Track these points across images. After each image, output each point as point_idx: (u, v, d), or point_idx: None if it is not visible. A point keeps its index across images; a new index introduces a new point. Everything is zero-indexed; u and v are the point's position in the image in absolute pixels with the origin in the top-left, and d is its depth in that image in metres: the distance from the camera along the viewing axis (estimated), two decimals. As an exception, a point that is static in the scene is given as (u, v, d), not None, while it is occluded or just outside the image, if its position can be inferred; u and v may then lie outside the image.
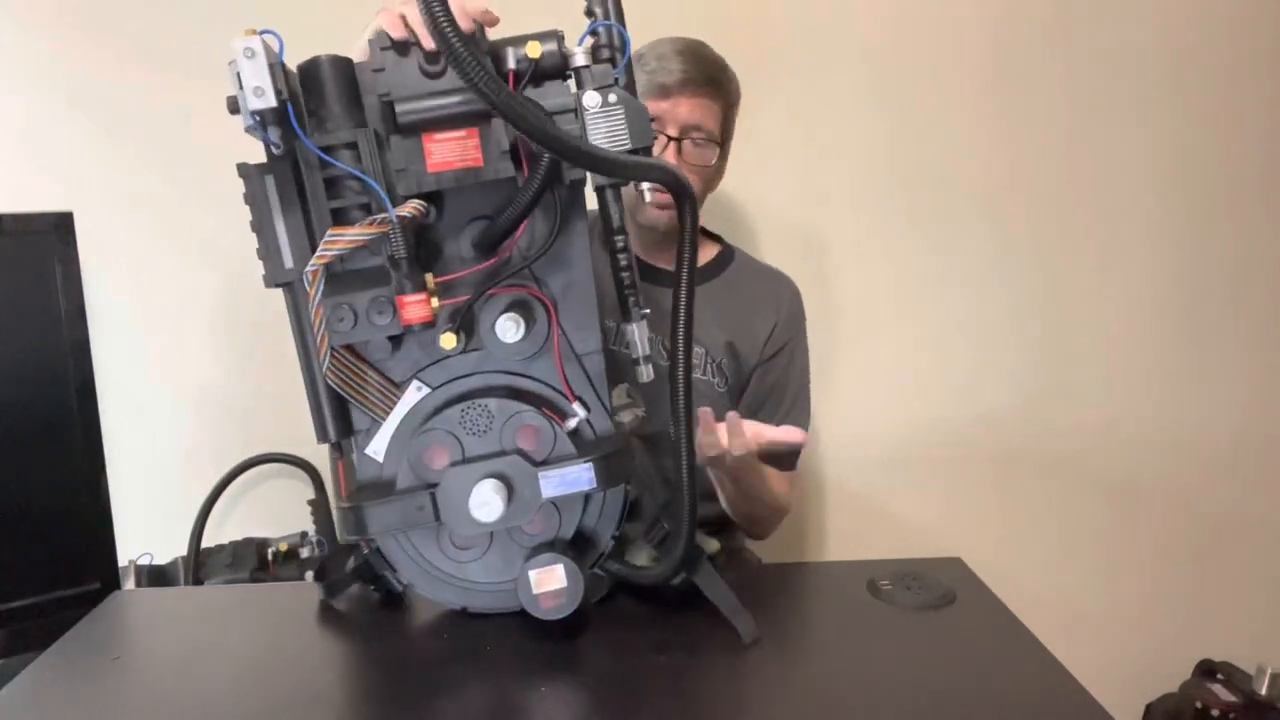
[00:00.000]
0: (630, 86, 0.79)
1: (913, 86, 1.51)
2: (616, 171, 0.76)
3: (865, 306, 1.57)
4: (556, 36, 0.76)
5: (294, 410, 0.83)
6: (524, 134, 0.66)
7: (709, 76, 1.14)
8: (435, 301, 0.74)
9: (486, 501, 0.74)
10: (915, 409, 1.59)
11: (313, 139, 0.73)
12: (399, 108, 0.72)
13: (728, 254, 1.28)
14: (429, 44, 0.71)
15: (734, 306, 1.22)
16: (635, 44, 1.16)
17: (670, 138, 1.12)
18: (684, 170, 1.13)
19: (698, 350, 1.19)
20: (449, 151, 0.73)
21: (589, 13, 0.79)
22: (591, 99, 0.75)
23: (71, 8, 1.43)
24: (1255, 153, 1.55)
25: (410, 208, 0.73)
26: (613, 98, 0.75)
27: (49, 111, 1.43)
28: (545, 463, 0.78)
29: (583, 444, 0.81)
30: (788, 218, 1.55)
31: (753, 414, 1.18)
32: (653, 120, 1.11)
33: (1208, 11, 1.50)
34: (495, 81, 0.61)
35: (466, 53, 0.59)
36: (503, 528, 0.79)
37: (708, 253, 1.27)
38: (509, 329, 0.77)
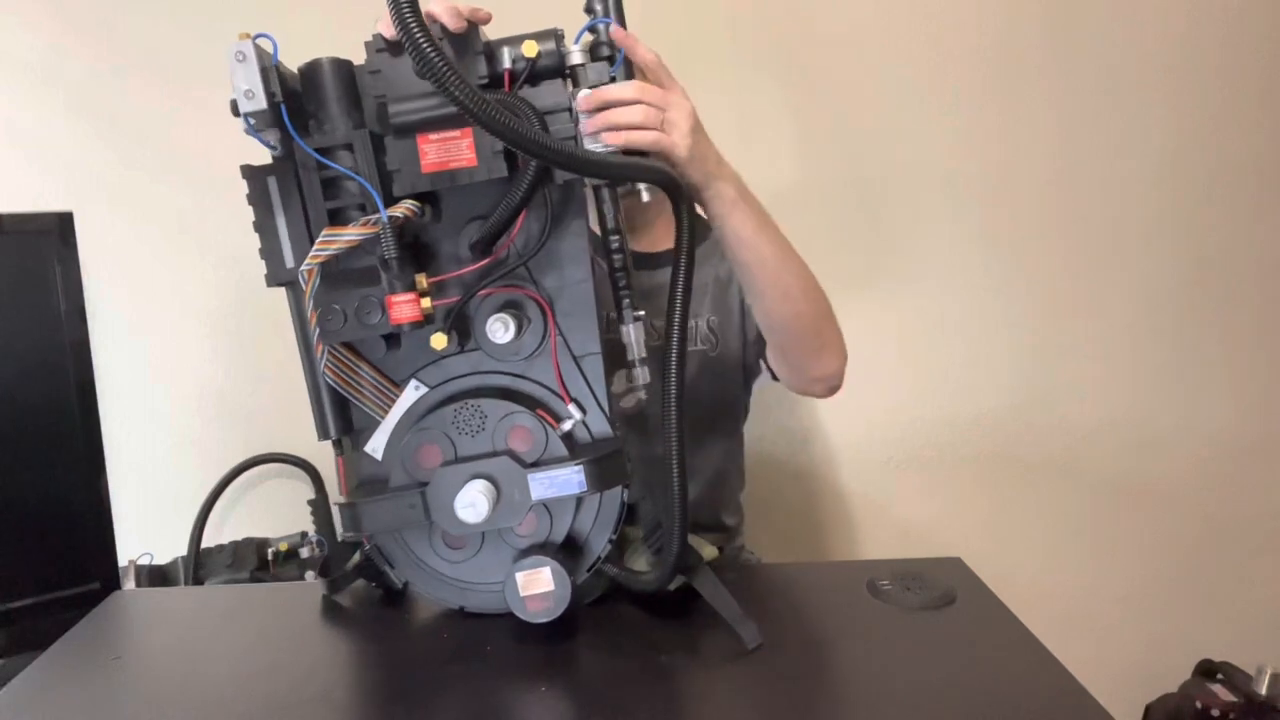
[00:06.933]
0: None
1: (908, 85, 1.50)
2: (601, 172, 0.75)
3: (863, 307, 1.56)
4: (555, 35, 0.75)
5: (294, 410, 0.84)
6: (494, 134, 0.64)
7: None
8: (427, 302, 0.73)
9: (472, 502, 0.74)
10: (914, 409, 1.59)
11: (312, 140, 0.73)
12: (392, 108, 0.72)
13: (704, 229, 1.25)
14: None
15: (708, 266, 1.18)
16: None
17: None
18: None
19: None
20: (443, 152, 0.72)
21: (589, 9, 0.78)
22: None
23: (72, 9, 1.43)
24: (1250, 154, 1.54)
25: (403, 208, 0.73)
26: None
27: (49, 112, 1.44)
28: (536, 464, 0.77)
29: (576, 446, 0.80)
30: (784, 218, 1.55)
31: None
32: None
33: (1203, 10, 1.50)
34: (464, 84, 0.60)
35: (437, 57, 0.58)
36: (493, 528, 0.79)
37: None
38: (498, 330, 0.77)
